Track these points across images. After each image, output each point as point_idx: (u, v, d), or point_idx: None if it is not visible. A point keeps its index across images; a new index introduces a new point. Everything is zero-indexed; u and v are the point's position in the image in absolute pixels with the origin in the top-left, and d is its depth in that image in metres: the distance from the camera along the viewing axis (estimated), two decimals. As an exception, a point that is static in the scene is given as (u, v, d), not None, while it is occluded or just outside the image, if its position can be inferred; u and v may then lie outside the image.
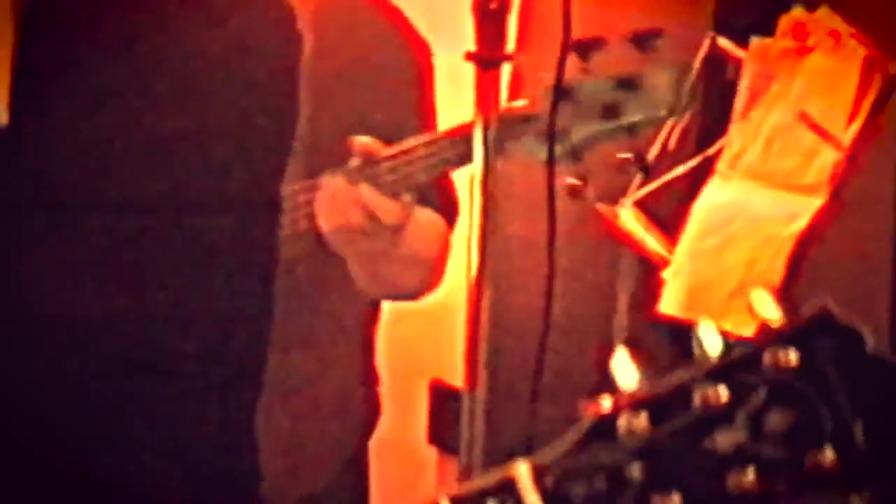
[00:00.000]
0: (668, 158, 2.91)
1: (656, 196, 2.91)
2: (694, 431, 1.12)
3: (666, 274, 2.86)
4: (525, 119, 2.35)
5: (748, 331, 1.34)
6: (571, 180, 2.40)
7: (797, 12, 2.90)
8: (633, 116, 2.42)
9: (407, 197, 2.42)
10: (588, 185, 2.43)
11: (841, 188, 2.75)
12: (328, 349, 2.30)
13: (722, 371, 1.10)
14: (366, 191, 2.18)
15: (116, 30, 1.93)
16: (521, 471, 1.17)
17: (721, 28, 2.96)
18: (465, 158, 2.30)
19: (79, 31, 1.90)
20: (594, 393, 1.16)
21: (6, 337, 2.01)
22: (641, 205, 2.92)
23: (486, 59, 2.30)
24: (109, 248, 2.02)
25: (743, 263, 2.78)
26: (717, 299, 2.81)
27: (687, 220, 2.87)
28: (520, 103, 2.41)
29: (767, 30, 2.93)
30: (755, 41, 2.92)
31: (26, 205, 1.98)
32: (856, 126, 2.84)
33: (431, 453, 3.70)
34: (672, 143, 2.91)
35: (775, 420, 1.11)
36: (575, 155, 2.46)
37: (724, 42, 2.91)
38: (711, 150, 2.90)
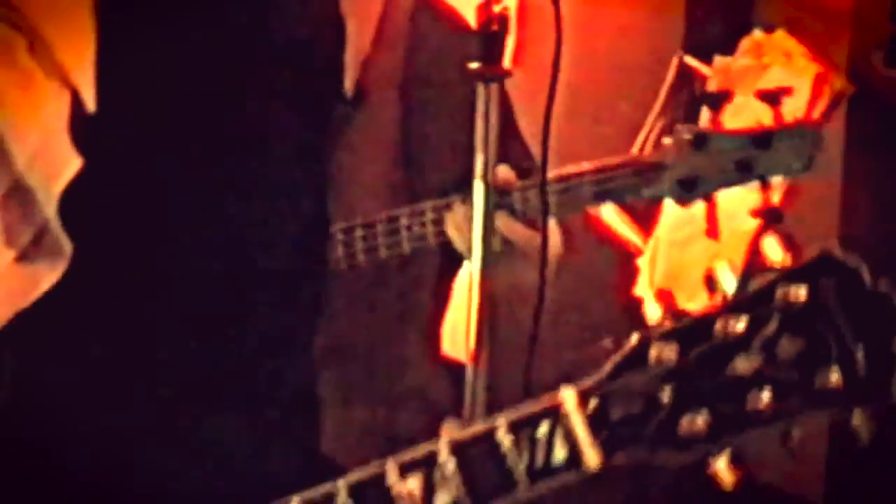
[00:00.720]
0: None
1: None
2: (716, 358, 1.28)
3: (641, 261, 3.08)
4: (657, 167, 2.47)
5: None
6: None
7: (756, 35, 3.16)
8: (764, 172, 2.52)
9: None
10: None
11: (793, 187, 2.90)
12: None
13: (738, 304, 1.26)
14: (502, 218, 2.23)
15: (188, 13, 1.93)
16: (567, 396, 1.32)
17: (689, 49, 3.24)
18: (601, 198, 2.49)
19: (156, 18, 1.89)
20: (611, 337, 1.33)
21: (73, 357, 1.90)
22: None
23: (486, 75, 2.39)
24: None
25: (709, 253, 2.91)
26: (686, 284, 3.00)
27: (659, 216, 3.07)
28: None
29: (730, 50, 3.17)
30: (718, 59, 3.14)
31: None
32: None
33: (436, 416, 3.82)
34: (648, 149, 2.94)
35: (787, 346, 1.27)
36: (705, 197, 2.60)
37: (690, 60, 3.18)
38: None
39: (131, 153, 1.77)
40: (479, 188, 2.13)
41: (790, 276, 1.28)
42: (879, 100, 3.14)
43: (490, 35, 2.44)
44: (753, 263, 1.37)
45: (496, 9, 2.46)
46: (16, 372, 1.79)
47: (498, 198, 2.16)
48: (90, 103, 1.76)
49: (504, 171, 2.19)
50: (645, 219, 3.15)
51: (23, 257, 1.74)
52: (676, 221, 3.08)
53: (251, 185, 1.95)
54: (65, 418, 1.84)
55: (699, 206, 2.91)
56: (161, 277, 1.84)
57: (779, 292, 1.26)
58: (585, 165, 2.49)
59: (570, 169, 2.48)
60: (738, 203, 2.82)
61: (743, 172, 2.52)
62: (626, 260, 3.17)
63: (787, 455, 1.32)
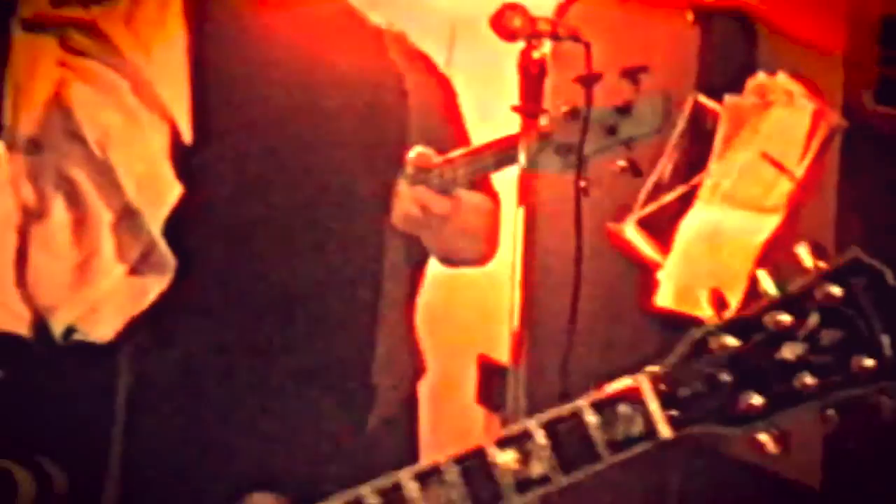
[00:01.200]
0: (663, 188, 3.29)
1: (653, 216, 3.28)
2: (767, 346, 1.42)
3: (660, 275, 3.17)
4: (544, 137, 2.63)
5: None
6: (582, 182, 2.70)
7: (760, 77, 3.24)
8: (627, 134, 2.73)
9: (456, 192, 2.64)
10: (591, 186, 2.72)
11: (794, 209, 3.07)
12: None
13: (783, 302, 1.42)
14: (420, 191, 2.36)
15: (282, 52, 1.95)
16: (643, 380, 1.45)
17: (701, 88, 3.37)
18: (500, 165, 2.61)
19: (250, 53, 1.92)
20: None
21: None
22: (641, 223, 3.27)
23: (529, 111, 2.70)
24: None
25: (721, 267, 3.09)
26: (700, 295, 3.05)
27: (676, 234, 3.18)
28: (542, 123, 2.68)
29: (738, 89, 3.27)
30: (728, 98, 3.25)
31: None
32: (806, 162, 3.12)
33: (479, 411, 3.91)
34: (666, 177, 3.30)
35: (827, 336, 1.42)
36: (583, 164, 2.72)
37: (704, 99, 3.31)
38: (695, 181, 3.23)
39: (225, 179, 1.83)
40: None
41: (826, 277, 1.43)
42: (869, 134, 3.26)
43: (530, 76, 2.78)
44: (782, 269, 1.53)
45: (535, 55, 2.83)
46: (134, 369, 1.80)
47: (420, 175, 2.31)
48: (186, 135, 1.80)
49: (424, 153, 2.35)
50: (663, 236, 3.25)
51: (133, 271, 1.77)
52: (691, 240, 3.20)
53: (327, 221, 2.03)
54: (178, 409, 1.87)
55: (710, 226, 3.19)
56: (253, 287, 1.88)
57: (818, 291, 1.42)
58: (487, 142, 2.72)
59: (475, 146, 2.72)
60: (743, 222, 3.13)
61: (610, 137, 2.73)
62: (647, 273, 3.23)
63: (825, 427, 1.45)
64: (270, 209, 1.89)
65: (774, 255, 3.10)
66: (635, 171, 2.85)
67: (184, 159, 1.80)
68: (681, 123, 3.32)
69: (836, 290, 1.44)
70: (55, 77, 1.75)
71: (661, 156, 3.34)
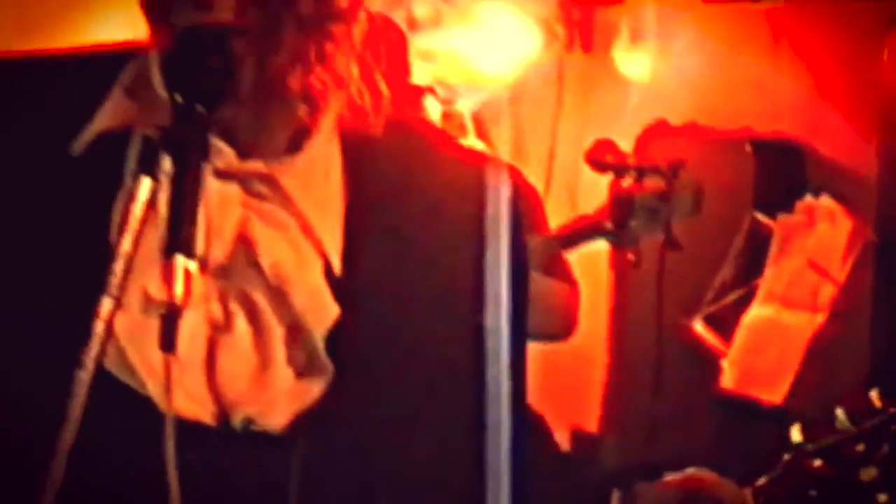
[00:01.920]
0: (726, 289, 3.58)
1: (717, 313, 3.55)
2: (848, 467, 1.64)
3: (724, 362, 3.40)
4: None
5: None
6: (631, 257, 3.06)
7: (808, 199, 3.52)
8: (667, 216, 3.03)
9: (534, 275, 2.64)
10: (640, 260, 3.09)
11: (836, 310, 3.35)
12: None
13: (860, 435, 1.63)
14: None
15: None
16: (748, 492, 1.67)
17: (758, 207, 3.63)
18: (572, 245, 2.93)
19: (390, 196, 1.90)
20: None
21: None
22: (707, 318, 3.55)
23: (618, 238, 3.11)
24: None
25: (775, 357, 3.36)
26: (761, 379, 3.34)
27: (738, 329, 3.43)
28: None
29: (789, 209, 3.56)
30: (781, 216, 3.53)
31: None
32: (846, 270, 3.40)
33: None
34: (728, 280, 3.61)
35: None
36: (634, 241, 3.06)
37: (760, 216, 3.59)
38: (753, 284, 3.49)
39: (369, 302, 1.85)
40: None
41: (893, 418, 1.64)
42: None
43: (619, 202, 3.24)
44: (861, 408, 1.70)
45: (624, 184, 3.28)
46: (301, 453, 1.82)
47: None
48: (337, 269, 1.84)
49: None
50: (727, 329, 3.47)
51: (300, 375, 1.82)
52: (750, 334, 3.43)
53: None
54: (342, 483, 1.85)
55: (766, 322, 3.43)
56: (397, 386, 1.85)
57: (886, 428, 1.64)
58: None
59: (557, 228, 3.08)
60: (793, 320, 3.37)
61: (654, 218, 3.07)
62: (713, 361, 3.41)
63: None
64: (406, 321, 1.87)
65: (819, 347, 3.33)
66: (676, 246, 3.16)
67: (338, 286, 1.82)
68: (741, 236, 3.59)
69: None
70: (239, 216, 1.81)
71: (724, 261, 3.61)
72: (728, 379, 3.40)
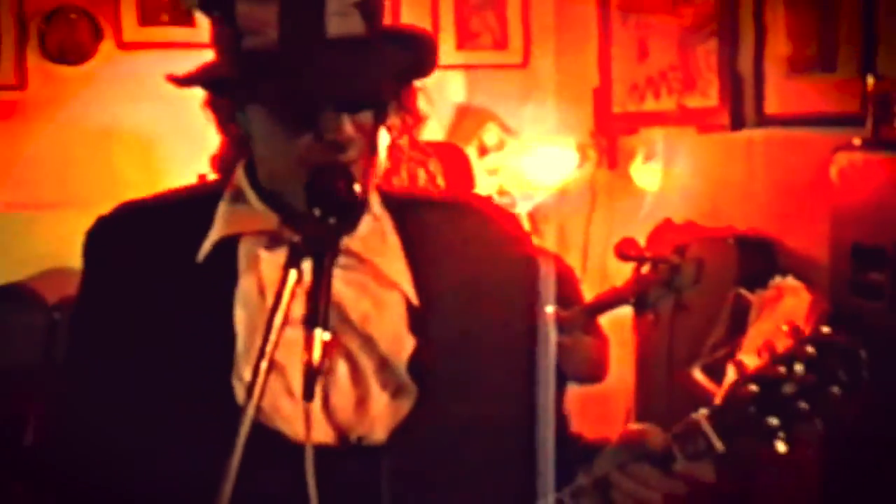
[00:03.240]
0: (719, 345, 3.28)
1: (712, 364, 3.08)
2: (774, 386, 1.59)
3: (717, 400, 3.09)
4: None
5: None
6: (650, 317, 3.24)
7: (777, 279, 2.81)
8: (677, 286, 3.20)
9: (576, 334, 3.02)
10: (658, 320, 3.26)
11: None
12: None
13: (781, 359, 1.62)
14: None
15: None
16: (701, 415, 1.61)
17: (740, 284, 3.47)
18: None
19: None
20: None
21: None
22: (704, 367, 3.15)
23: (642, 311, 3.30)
24: None
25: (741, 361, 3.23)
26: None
27: (726, 375, 2.80)
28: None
29: (764, 285, 2.95)
30: (758, 291, 2.78)
31: None
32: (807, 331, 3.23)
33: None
34: (720, 338, 3.36)
35: (810, 377, 1.57)
36: (652, 306, 3.27)
37: (742, 291, 3.34)
38: (739, 341, 2.61)
39: (445, 331, 1.79)
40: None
41: (805, 342, 1.71)
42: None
43: (641, 284, 3.34)
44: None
45: (643, 271, 3.36)
46: (395, 460, 1.76)
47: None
48: (415, 301, 1.79)
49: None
50: (718, 375, 2.73)
51: (393, 396, 1.78)
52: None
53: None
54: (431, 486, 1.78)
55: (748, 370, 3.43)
56: (470, 404, 1.79)
57: (801, 352, 1.65)
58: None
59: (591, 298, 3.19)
60: None
61: (667, 288, 3.18)
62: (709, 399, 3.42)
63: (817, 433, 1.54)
64: (479, 346, 1.81)
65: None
66: (683, 307, 3.32)
67: (414, 321, 1.77)
68: (728, 306, 3.51)
69: (811, 349, 1.68)
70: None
71: (716, 324, 3.49)
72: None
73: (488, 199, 2.11)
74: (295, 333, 1.60)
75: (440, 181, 1.94)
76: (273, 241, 1.78)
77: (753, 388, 1.67)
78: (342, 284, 1.77)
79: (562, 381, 2.73)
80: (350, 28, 1.68)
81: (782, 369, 1.66)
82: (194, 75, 1.78)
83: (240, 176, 1.84)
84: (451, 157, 3.53)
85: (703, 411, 1.71)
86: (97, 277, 1.86)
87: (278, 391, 1.73)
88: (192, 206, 1.84)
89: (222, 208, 1.82)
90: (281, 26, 1.67)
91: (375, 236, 1.83)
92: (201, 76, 1.78)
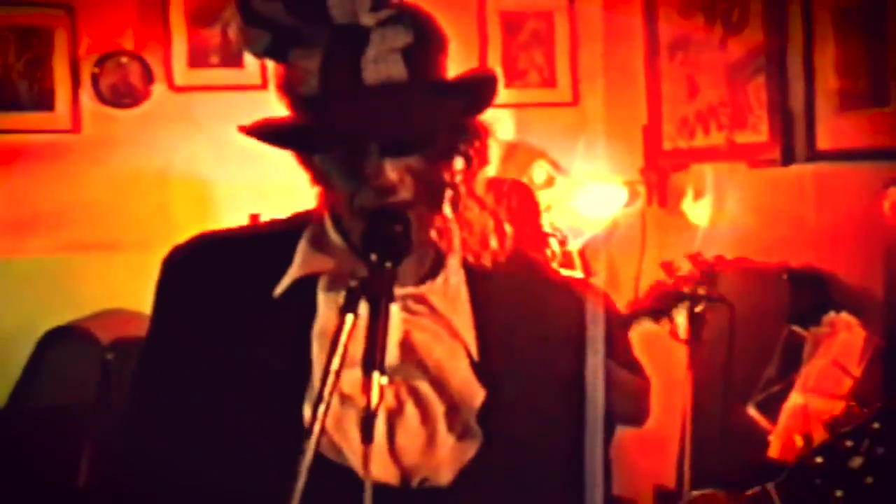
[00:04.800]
0: (773, 382, 3.49)
1: (766, 400, 3.49)
2: (840, 460, 1.66)
3: (771, 437, 3.34)
4: None
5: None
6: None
7: (832, 314, 3.44)
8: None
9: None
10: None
11: (858, 397, 3.12)
12: None
13: (847, 434, 1.65)
14: None
15: None
16: (770, 487, 1.71)
17: (794, 321, 3.59)
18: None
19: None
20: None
21: None
22: (758, 404, 3.50)
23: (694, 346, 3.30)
24: None
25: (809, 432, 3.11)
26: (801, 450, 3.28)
27: (782, 411, 3.34)
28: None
29: (817, 322, 3.48)
30: (812, 328, 3.45)
31: None
32: (861, 367, 3.25)
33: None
34: (774, 375, 3.52)
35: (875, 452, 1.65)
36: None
37: (796, 328, 3.55)
38: (792, 378, 3.39)
39: (506, 385, 1.82)
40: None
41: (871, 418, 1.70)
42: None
43: (694, 320, 3.38)
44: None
45: (697, 309, 3.39)
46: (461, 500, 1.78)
47: None
48: (473, 352, 1.81)
49: None
50: (773, 411, 3.38)
51: (458, 439, 1.79)
52: (790, 416, 3.30)
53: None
54: None
55: (801, 407, 3.27)
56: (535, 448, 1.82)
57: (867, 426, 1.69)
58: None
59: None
60: (823, 405, 3.17)
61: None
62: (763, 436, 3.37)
63: None
64: (530, 399, 1.82)
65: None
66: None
67: (481, 373, 1.79)
68: (781, 343, 3.57)
69: (875, 424, 1.72)
70: (402, 327, 1.78)
71: (770, 362, 3.59)
72: (774, 450, 3.35)
73: (556, 271, 2.14)
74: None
75: (509, 242, 1.89)
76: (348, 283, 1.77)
77: (820, 460, 1.72)
78: (418, 331, 1.80)
79: (609, 429, 2.64)
80: (390, 73, 1.68)
81: (849, 443, 1.68)
82: (259, 125, 1.77)
83: (325, 218, 1.84)
84: (519, 195, 3.51)
85: (773, 483, 1.76)
86: (171, 306, 1.86)
87: (350, 426, 1.73)
88: (271, 240, 1.85)
89: (303, 246, 1.83)
90: (321, 73, 1.68)
91: (451, 294, 1.83)
92: (262, 126, 1.77)
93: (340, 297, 1.69)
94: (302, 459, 1.54)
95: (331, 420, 1.71)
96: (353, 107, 1.68)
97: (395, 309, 1.73)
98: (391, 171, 1.69)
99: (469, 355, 1.82)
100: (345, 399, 1.66)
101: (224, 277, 1.82)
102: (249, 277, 1.81)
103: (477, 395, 1.80)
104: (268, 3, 1.70)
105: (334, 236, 1.81)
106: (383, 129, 1.69)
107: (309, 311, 1.78)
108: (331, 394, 1.57)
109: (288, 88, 1.74)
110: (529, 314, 1.87)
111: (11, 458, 3.80)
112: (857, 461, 1.66)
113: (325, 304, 1.78)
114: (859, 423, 1.72)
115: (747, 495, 1.76)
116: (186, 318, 1.82)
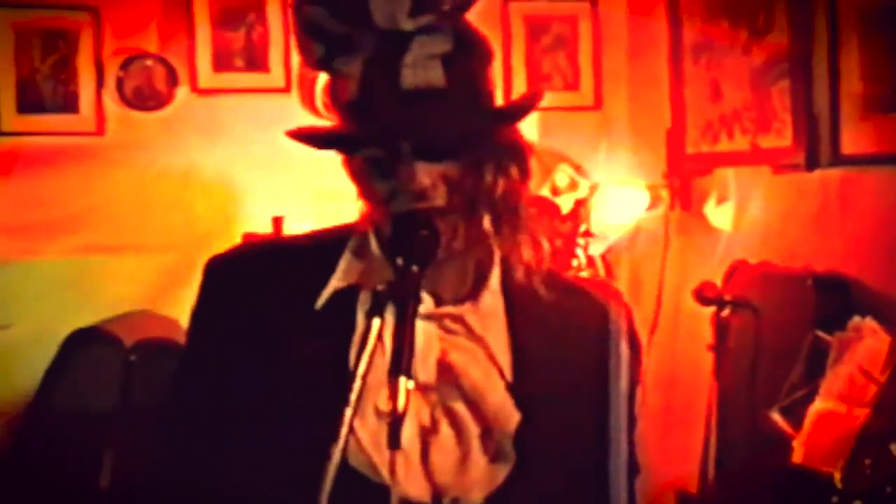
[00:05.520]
0: (796, 388, 3.44)
1: (790, 406, 3.43)
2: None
3: (795, 443, 3.31)
4: None
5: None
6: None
7: (856, 319, 3.40)
8: None
9: None
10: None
11: (879, 403, 3.12)
12: None
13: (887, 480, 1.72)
14: None
15: None
16: None
17: (819, 326, 3.55)
18: None
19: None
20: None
21: None
22: (782, 409, 3.44)
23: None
24: None
25: (832, 439, 3.18)
26: (822, 455, 3.18)
27: (806, 417, 3.31)
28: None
29: (842, 327, 3.43)
30: (837, 333, 3.42)
31: None
32: (886, 373, 3.17)
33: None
34: (797, 381, 3.47)
35: None
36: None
37: (820, 333, 3.51)
38: (817, 384, 3.34)
39: (540, 406, 1.81)
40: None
41: None
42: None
43: (720, 328, 3.35)
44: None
45: (723, 314, 3.39)
46: None
47: None
48: (508, 374, 1.81)
49: None
50: (797, 418, 3.35)
51: (491, 461, 1.79)
52: (814, 422, 3.28)
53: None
54: None
55: (826, 414, 3.24)
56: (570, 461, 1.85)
57: None
58: None
59: None
60: (849, 411, 3.19)
61: None
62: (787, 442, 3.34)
63: None
64: (563, 421, 1.83)
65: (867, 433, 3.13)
66: None
67: (517, 397, 1.79)
68: (806, 349, 3.54)
69: None
70: (439, 347, 1.80)
71: (794, 367, 3.55)
72: (797, 455, 3.34)
73: (605, 288, 2.05)
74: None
75: (546, 261, 1.87)
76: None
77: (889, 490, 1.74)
78: (455, 351, 1.81)
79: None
80: (428, 80, 1.70)
81: (889, 489, 1.76)
82: (304, 130, 1.79)
83: (370, 227, 1.85)
84: (544, 209, 3.50)
85: None
86: (212, 315, 1.87)
87: (382, 437, 1.71)
88: (314, 252, 1.86)
89: (346, 257, 1.84)
90: (361, 77, 1.70)
91: (488, 315, 1.84)
92: (308, 132, 1.79)
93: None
94: (328, 466, 1.55)
95: (367, 436, 1.74)
96: (389, 109, 1.70)
97: (433, 329, 1.78)
98: (424, 176, 1.71)
99: (503, 377, 1.81)
100: (381, 414, 1.67)
101: (265, 287, 1.83)
102: (291, 288, 1.82)
103: (512, 417, 1.80)
104: (318, 13, 1.72)
105: (375, 248, 1.82)
106: (416, 133, 1.70)
107: (349, 323, 1.79)
108: (358, 399, 1.58)
109: (334, 99, 1.76)
110: (563, 336, 1.86)
111: (34, 459, 3.83)
112: None
113: (363, 312, 1.78)
114: None
115: None
116: (227, 328, 1.83)
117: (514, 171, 1.81)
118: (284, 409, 1.77)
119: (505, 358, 1.83)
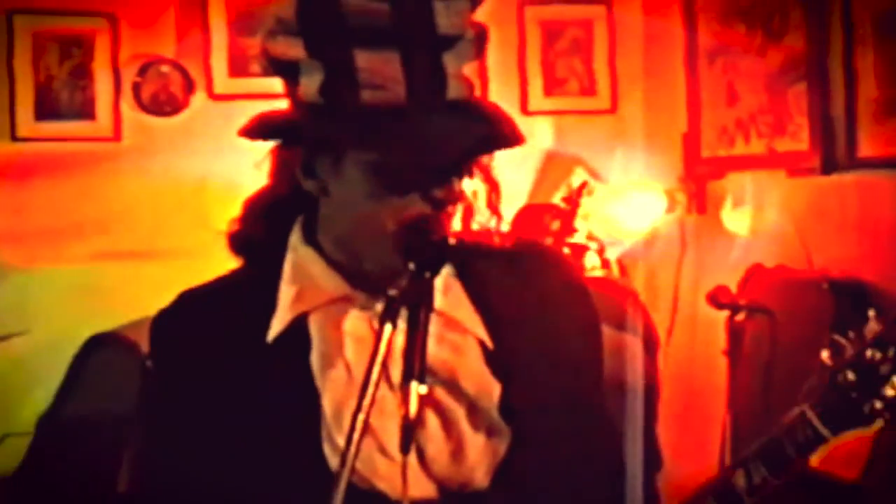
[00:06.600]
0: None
1: None
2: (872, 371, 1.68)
3: None
4: None
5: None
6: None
7: (872, 323, 3.26)
8: None
9: None
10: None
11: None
12: None
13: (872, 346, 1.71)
14: None
15: None
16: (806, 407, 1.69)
17: (833, 329, 3.29)
18: None
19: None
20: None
21: None
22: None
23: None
24: None
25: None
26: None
27: None
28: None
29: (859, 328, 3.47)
30: (850, 333, 3.34)
31: None
32: None
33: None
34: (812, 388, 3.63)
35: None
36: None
37: (836, 336, 3.23)
38: None
39: (525, 372, 1.80)
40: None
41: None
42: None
43: (735, 334, 3.30)
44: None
45: (738, 318, 3.43)
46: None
47: None
48: (489, 344, 1.80)
49: None
50: None
51: (487, 436, 1.77)
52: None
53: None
54: None
55: None
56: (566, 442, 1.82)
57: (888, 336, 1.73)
58: None
59: None
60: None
61: None
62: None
63: None
64: (551, 387, 1.82)
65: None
66: None
67: (494, 362, 1.79)
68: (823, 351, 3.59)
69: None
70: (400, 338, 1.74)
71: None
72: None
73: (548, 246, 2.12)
74: (383, 392, 1.63)
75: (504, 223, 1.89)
76: (343, 309, 1.79)
77: (851, 375, 1.74)
78: None
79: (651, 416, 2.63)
80: (461, 92, 1.73)
81: (877, 354, 1.72)
82: (272, 128, 1.87)
83: (298, 248, 1.85)
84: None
85: (808, 405, 1.78)
86: (167, 368, 1.87)
87: (372, 451, 1.74)
88: (252, 284, 1.86)
89: (284, 290, 1.82)
90: (409, 84, 1.69)
91: (444, 288, 1.82)
92: (285, 130, 1.86)
93: (333, 322, 1.74)
94: (336, 484, 1.54)
95: (367, 446, 1.70)
96: (436, 120, 1.69)
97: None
98: (458, 186, 1.74)
99: (480, 345, 1.81)
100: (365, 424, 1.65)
101: (212, 329, 1.83)
102: (238, 325, 1.81)
103: (493, 388, 1.79)
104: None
105: (317, 267, 1.81)
106: (457, 146, 1.71)
107: (305, 347, 1.78)
108: (370, 406, 1.57)
109: (342, 94, 1.74)
110: (531, 293, 1.86)
111: (52, 464, 3.85)
112: (885, 368, 1.69)
113: (322, 336, 1.78)
114: (880, 333, 1.77)
115: (786, 422, 1.78)
116: (183, 377, 1.83)
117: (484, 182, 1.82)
118: (262, 446, 1.75)
119: (477, 326, 1.81)
